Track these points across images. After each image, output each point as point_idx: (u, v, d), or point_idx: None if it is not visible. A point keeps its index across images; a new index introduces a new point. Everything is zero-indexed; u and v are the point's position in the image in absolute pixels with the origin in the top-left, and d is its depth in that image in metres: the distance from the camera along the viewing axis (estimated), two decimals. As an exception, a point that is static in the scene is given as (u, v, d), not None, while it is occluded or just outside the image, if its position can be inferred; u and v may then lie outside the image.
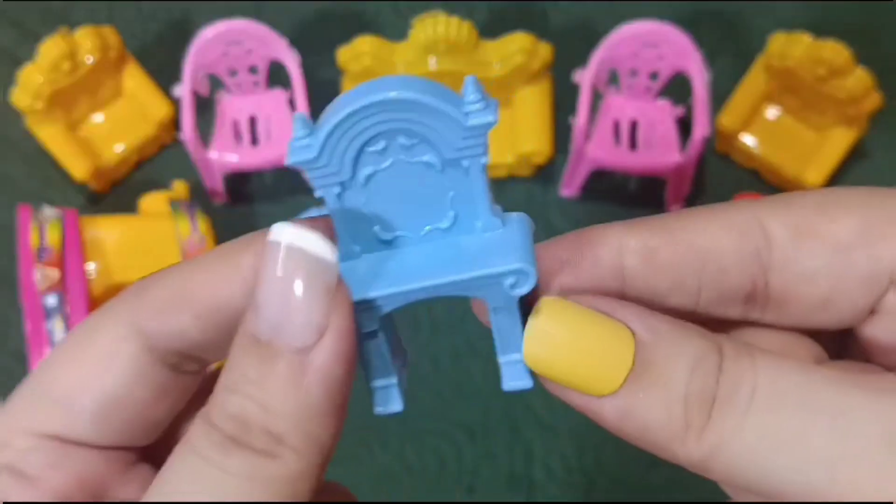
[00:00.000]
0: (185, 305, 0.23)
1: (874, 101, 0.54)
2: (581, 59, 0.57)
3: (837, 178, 0.58)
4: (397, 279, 0.21)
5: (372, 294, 0.21)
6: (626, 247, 0.22)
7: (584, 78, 0.56)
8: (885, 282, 0.21)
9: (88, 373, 0.22)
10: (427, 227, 0.22)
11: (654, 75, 0.57)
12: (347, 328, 0.20)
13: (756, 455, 0.19)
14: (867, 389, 0.19)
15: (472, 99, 0.22)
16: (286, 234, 0.20)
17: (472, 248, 0.22)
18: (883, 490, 0.18)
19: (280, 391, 0.20)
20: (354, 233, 0.22)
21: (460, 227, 0.22)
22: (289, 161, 0.20)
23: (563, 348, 0.20)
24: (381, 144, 0.21)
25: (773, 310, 0.22)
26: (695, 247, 0.21)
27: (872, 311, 0.22)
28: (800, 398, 0.19)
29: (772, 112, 0.59)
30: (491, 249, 0.21)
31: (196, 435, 0.20)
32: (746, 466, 0.19)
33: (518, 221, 0.22)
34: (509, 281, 0.21)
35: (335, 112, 0.20)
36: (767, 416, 0.19)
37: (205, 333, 0.22)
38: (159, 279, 0.24)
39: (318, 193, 0.21)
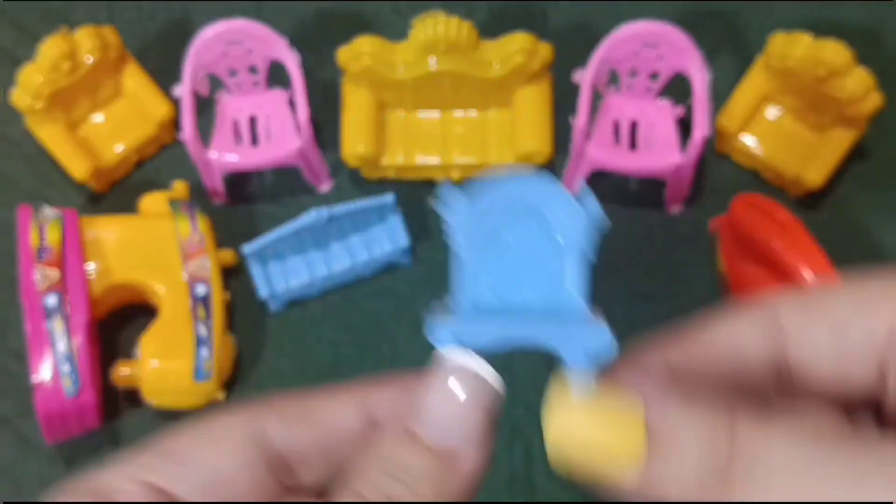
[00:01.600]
0: (307, 418, 0.26)
1: (874, 101, 0.54)
2: (581, 59, 0.57)
3: (837, 178, 0.58)
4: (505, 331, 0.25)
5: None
6: (670, 362, 0.25)
7: (584, 78, 0.56)
8: (883, 351, 0.24)
9: (207, 450, 0.25)
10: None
11: (654, 75, 0.57)
12: (490, 454, 0.25)
13: None
14: (877, 458, 0.21)
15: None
16: (467, 361, 0.24)
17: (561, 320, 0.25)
18: None
19: (430, 485, 0.23)
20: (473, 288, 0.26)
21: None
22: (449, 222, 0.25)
23: (581, 443, 0.23)
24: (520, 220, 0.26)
25: (799, 386, 0.25)
26: (725, 344, 0.25)
27: (883, 377, 0.24)
28: (813, 474, 0.21)
29: (772, 112, 0.59)
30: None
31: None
32: None
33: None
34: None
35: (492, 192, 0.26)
36: (785, 491, 0.21)
37: (316, 448, 0.25)
38: (291, 395, 0.27)
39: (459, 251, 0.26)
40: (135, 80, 0.60)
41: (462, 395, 0.24)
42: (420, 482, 0.23)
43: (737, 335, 0.25)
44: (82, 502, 0.23)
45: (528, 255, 0.26)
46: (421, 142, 0.59)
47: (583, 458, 0.23)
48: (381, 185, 0.60)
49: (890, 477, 0.20)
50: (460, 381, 0.24)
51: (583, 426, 0.23)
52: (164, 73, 0.60)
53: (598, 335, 0.24)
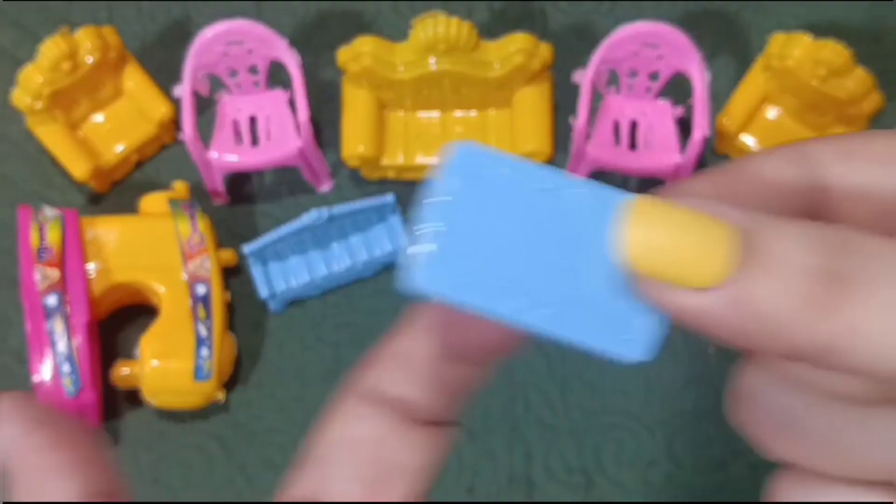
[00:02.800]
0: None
1: (874, 101, 0.54)
2: (581, 59, 0.57)
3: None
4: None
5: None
6: (700, 192, 0.22)
7: (584, 78, 0.56)
8: None
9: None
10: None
11: (654, 75, 0.57)
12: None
13: None
14: None
15: None
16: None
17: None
18: None
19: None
20: None
21: None
22: None
23: (665, 237, 0.19)
24: None
25: None
26: (759, 179, 0.22)
27: None
28: None
29: (772, 112, 0.59)
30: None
31: None
32: (887, 345, 0.17)
33: None
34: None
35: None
36: None
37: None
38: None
39: None
40: (135, 80, 0.60)
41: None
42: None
43: (773, 171, 0.22)
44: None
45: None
46: (421, 142, 0.59)
47: (662, 255, 0.19)
48: (381, 185, 0.60)
49: None
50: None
51: (669, 222, 0.19)
52: (164, 73, 0.60)
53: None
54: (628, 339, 0.20)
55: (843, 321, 0.18)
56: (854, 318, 0.18)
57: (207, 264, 0.54)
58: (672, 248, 0.18)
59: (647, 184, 0.59)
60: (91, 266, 0.53)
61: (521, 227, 0.20)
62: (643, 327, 0.20)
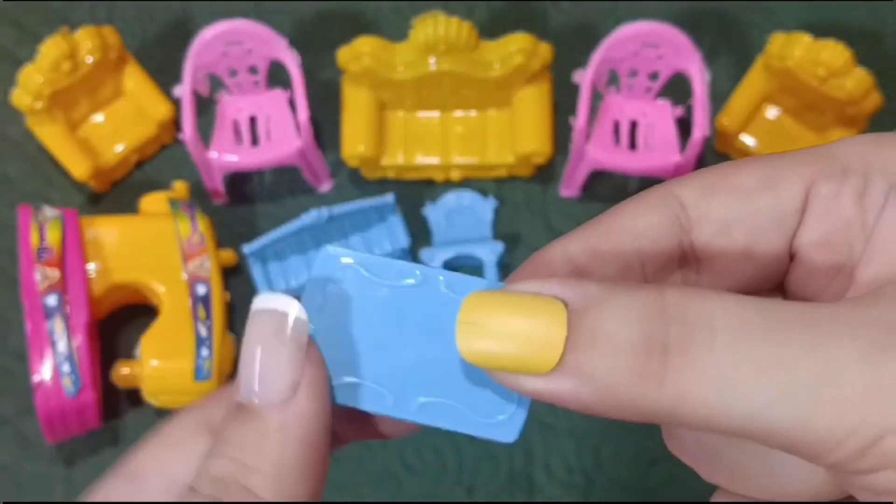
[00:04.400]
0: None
1: (874, 101, 0.54)
2: (581, 59, 0.57)
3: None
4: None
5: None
6: (572, 253, 0.22)
7: (584, 78, 0.56)
8: (793, 218, 0.22)
9: (159, 456, 0.23)
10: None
11: (654, 75, 0.57)
12: (321, 383, 0.21)
13: (734, 390, 0.18)
14: (830, 311, 0.19)
15: None
16: (258, 300, 0.21)
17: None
18: (868, 405, 0.18)
19: (255, 448, 0.20)
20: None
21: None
22: None
23: (493, 334, 0.20)
24: None
25: (705, 270, 0.23)
26: (626, 230, 0.22)
27: (792, 257, 0.22)
28: (767, 328, 0.18)
29: (772, 112, 0.59)
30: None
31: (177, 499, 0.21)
32: (725, 405, 0.18)
33: None
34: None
35: None
36: (737, 350, 0.18)
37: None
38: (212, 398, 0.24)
39: None
40: (135, 80, 0.60)
41: (259, 343, 0.21)
42: (245, 451, 0.20)
43: (638, 220, 0.22)
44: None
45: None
46: (421, 142, 0.59)
47: (501, 356, 0.20)
48: (381, 185, 0.60)
49: (846, 326, 0.18)
50: (256, 326, 0.21)
51: (498, 314, 0.20)
52: (164, 73, 0.60)
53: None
54: (495, 424, 0.22)
55: (673, 390, 0.18)
56: (681, 387, 0.18)
57: (207, 264, 0.54)
58: (501, 349, 0.20)
59: (647, 183, 0.59)
60: (91, 266, 0.53)
61: (385, 326, 0.22)
62: (507, 410, 0.22)
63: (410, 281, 0.22)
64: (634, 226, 0.22)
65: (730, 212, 0.22)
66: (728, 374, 0.18)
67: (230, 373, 0.55)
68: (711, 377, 0.18)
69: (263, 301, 0.21)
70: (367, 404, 0.22)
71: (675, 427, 0.19)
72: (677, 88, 0.57)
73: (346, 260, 0.23)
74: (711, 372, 0.18)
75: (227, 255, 0.56)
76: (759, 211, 0.22)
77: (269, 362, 0.21)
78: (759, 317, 0.18)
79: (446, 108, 0.60)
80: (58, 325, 0.50)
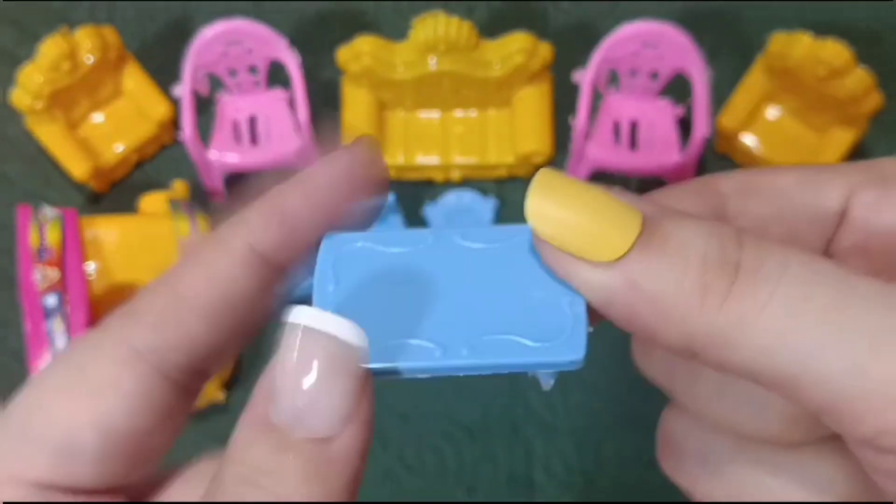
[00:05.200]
0: (184, 308, 0.21)
1: (875, 101, 0.54)
2: (581, 59, 0.57)
3: (837, 178, 0.58)
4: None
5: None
6: None
7: (584, 78, 0.56)
8: (832, 221, 0.22)
9: (87, 407, 0.20)
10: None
11: (654, 75, 0.57)
12: (371, 418, 0.19)
13: (789, 329, 0.17)
14: None
15: None
16: (314, 318, 0.18)
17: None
18: None
19: (299, 484, 0.18)
20: None
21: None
22: None
23: (567, 201, 0.19)
24: None
25: None
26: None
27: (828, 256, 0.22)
28: (836, 278, 0.18)
29: (772, 112, 0.59)
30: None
31: None
32: (777, 342, 0.17)
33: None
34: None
35: None
36: (802, 289, 0.17)
37: (214, 331, 0.21)
38: (148, 293, 0.22)
39: None
40: (135, 80, 0.60)
41: (313, 369, 0.18)
42: (287, 487, 0.18)
43: (683, 203, 0.21)
44: None
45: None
46: (421, 142, 0.59)
47: (567, 225, 0.19)
48: (381, 185, 0.60)
49: None
50: (309, 348, 0.18)
51: (575, 186, 0.19)
52: (164, 73, 0.60)
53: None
54: (557, 345, 0.20)
55: (734, 312, 0.18)
56: (744, 310, 0.18)
57: (207, 264, 0.54)
58: (572, 219, 0.19)
59: (647, 183, 0.59)
60: (91, 266, 0.53)
61: (410, 288, 0.21)
62: (564, 330, 0.20)
63: (424, 243, 0.21)
64: (679, 208, 0.21)
65: (769, 209, 0.22)
66: (793, 307, 0.17)
67: (230, 373, 0.55)
68: (776, 306, 0.17)
69: (316, 319, 0.18)
70: (416, 360, 0.20)
71: (711, 360, 0.18)
72: (677, 88, 0.57)
73: (350, 240, 0.21)
74: (778, 301, 0.17)
75: (227, 255, 0.56)
76: (799, 210, 0.22)
77: (322, 393, 0.18)
78: (830, 266, 0.18)
79: (446, 107, 0.60)
80: (57, 326, 0.50)
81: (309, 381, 0.18)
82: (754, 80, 0.58)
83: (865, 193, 0.22)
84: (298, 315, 0.18)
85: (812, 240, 0.22)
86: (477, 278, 0.20)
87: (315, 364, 0.18)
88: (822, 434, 0.21)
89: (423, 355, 0.20)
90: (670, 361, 0.23)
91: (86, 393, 0.20)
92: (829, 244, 0.22)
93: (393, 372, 0.20)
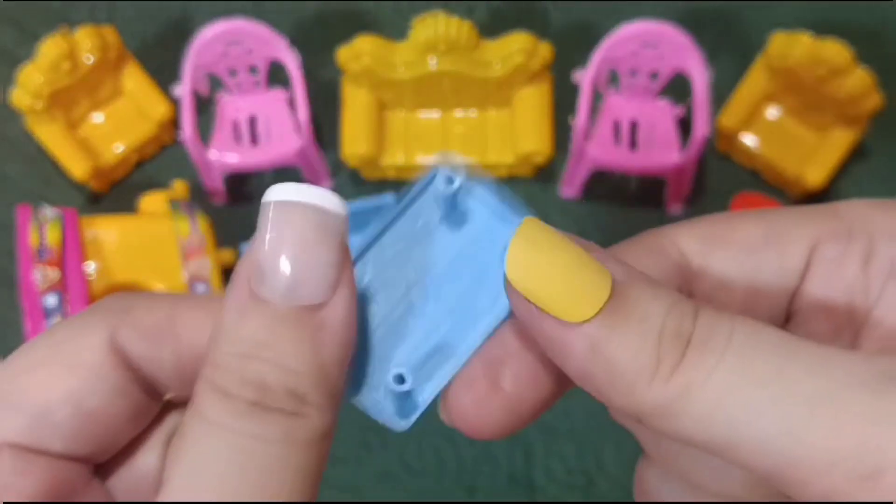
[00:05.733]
0: (170, 339, 0.21)
1: (875, 100, 0.54)
2: (581, 59, 0.57)
3: (837, 178, 0.58)
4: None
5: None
6: None
7: (584, 78, 0.56)
8: (795, 276, 0.22)
9: (67, 382, 0.20)
10: None
11: (654, 75, 0.57)
12: (354, 283, 0.20)
13: (729, 397, 0.18)
14: (842, 350, 0.18)
15: None
16: (289, 191, 0.19)
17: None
18: (863, 427, 0.17)
19: (298, 351, 0.19)
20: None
21: None
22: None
23: (545, 259, 0.19)
24: None
25: None
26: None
27: (789, 317, 0.22)
28: (778, 346, 0.18)
29: (772, 112, 0.59)
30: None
31: (213, 407, 0.19)
32: (717, 410, 0.18)
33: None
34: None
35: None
36: (744, 359, 0.18)
37: (179, 372, 0.21)
38: (147, 302, 0.22)
39: None
40: (134, 79, 0.60)
41: (300, 240, 0.19)
42: (286, 354, 0.19)
43: (641, 263, 0.22)
44: None
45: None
46: (421, 142, 0.59)
47: (543, 284, 0.19)
48: (381, 185, 0.60)
49: (856, 361, 0.18)
50: (295, 219, 0.19)
51: (550, 246, 0.19)
52: (164, 73, 0.60)
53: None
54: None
55: (680, 383, 0.18)
56: (689, 381, 0.18)
57: (207, 264, 0.54)
58: (548, 278, 0.19)
59: (647, 183, 0.59)
60: (91, 266, 0.53)
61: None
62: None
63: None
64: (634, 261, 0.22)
65: (731, 266, 0.22)
66: (734, 375, 0.18)
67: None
68: (719, 375, 0.18)
69: (297, 192, 0.19)
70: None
71: (656, 428, 0.19)
72: (677, 88, 0.57)
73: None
74: (721, 370, 0.18)
75: (227, 255, 0.56)
76: (761, 268, 0.22)
77: (310, 262, 0.19)
78: (774, 335, 0.18)
79: (446, 107, 0.60)
80: (57, 325, 0.50)
81: (296, 251, 0.19)
82: (754, 80, 0.58)
83: (828, 248, 0.21)
84: (279, 192, 0.19)
85: (775, 295, 0.22)
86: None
87: (301, 234, 0.19)
88: (785, 496, 0.22)
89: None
90: None
91: (63, 368, 0.20)
92: (793, 298, 0.22)
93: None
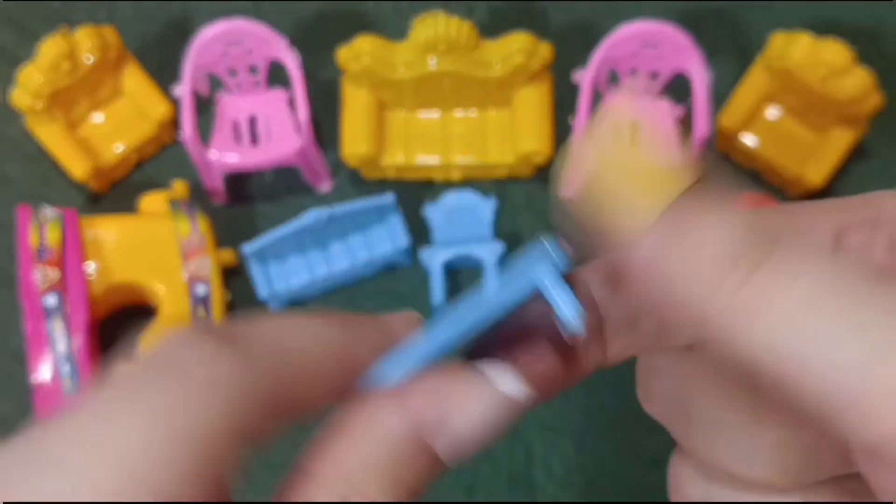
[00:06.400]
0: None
1: (875, 101, 0.54)
2: (581, 59, 0.57)
3: (838, 178, 0.58)
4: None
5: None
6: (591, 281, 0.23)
7: (584, 78, 0.56)
8: None
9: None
10: None
11: (654, 75, 0.57)
12: None
13: (809, 314, 0.17)
14: None
15: None
16: (510, 384, 0.20)
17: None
18: None
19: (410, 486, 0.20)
20: None
21: None
22: None
23: (623, 148, 0.19)
24: None
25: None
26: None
27: None
28: (855, 282, 0.17)
29: (772, 112, 0.59)
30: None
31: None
32: (793, 326, 0.17)
33: None
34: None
35: None
36: (828, 282, 0.17)
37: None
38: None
39: None
40: (134, 79, 0.60)
41: (500, 415, 0.20)
42: (408, 490, 0.20)
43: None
44: None
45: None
46: (421, 142, 0.59)
47: (623, 178, 0.19)
48: (381, 185, 0.60)
49: None
50: (497, 397, 0.20)
51: (633, 156, 0.19)
52: (164, 73, 0.60)
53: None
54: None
55: (754, 293, 0.18)
56: (758, 299, 0.18)
57: (207, 264, 0.54)
58: (634, 170, 0.19)
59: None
60: (91, 266, 0.53)
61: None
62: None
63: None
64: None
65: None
66: (814, 296, 0.17)
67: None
68: (797, 293, 0.17)
69: (515, 388, 0.21)
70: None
71: (722, 342, 0.18)
72: (677, 88, 0.57)
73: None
74: (801, 285, 0.17)
75: (227, 255, 0.56)
76: None
77: (487, 438, 0.21)
78: (863, 269, 0.18)
79: (446, 107, 0.60)
80: (57, 326, 0.50)
81: (487, 425, 0.20)
82: (754, 80, 0.58)
83: (854, 234, 0.21)
84: (506, 380, 0.21)
85: None
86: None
87: (501, 415, 0.20)
88: (813, 480, 0.21)
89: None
90: (670, 404, 0.23)
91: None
92: None
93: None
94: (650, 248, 0.18)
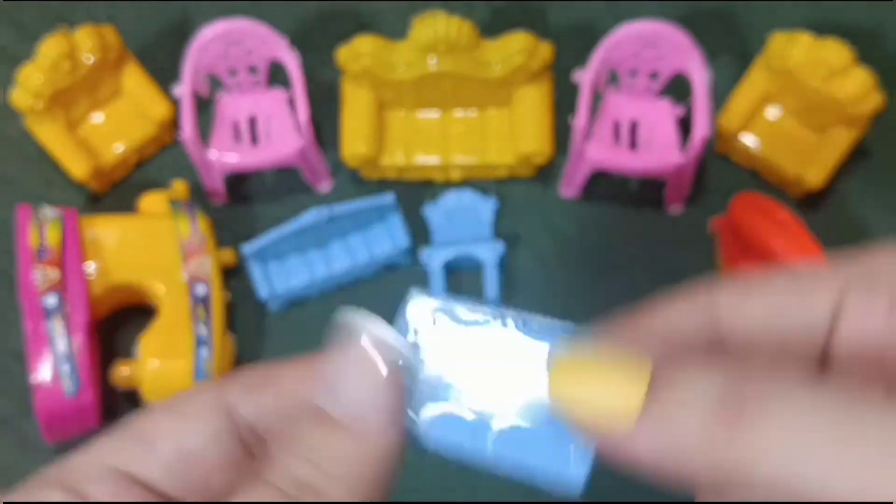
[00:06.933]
0: (270, 386, 0.25)
1: (875, 101, 0.54)
2: (581, 59, 0.57)
3: (838, 178, 0.58)
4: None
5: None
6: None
7: (584, 78, 0.56)
8: (823, 328, 0.22)
9: (174, 426, 0.24)
10: None
11: (654, 75, 0.57)
12: (402, 410, 0.24)
13: (807, 444, 0.18)
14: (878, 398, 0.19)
15: None
16: (371, 328, 0.23)
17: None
18: None
19: (343, 462, 0.22)
20: None
21: None
22: None
23: (585, 391, 0.21)
24: None
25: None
26: (664, 328, 0.24)
27: (824, 364, 0.23)
28: (835, 399, 0.19)
29: (772, 112, 0.59)
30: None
31: (259, 494, 0.22)
32: (798, 460, 0.18)
33: None
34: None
35: None
36: (810, 412, 0.19)
37: (280, 416, 0.25)
38: (253, 367, 0.27)
39: None
40: (134, 79, 0.60)
41: (382, 369, 0.23)
42: (332, 462, 0.22)
43: (675, 318, 0.24)
44: (52, 502, 0.23)
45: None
46: (421, 142, 0.59)
47: (582, 408, 0.21)
48: (381, 185, 0.60)
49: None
50: (377, 352, 0.23)
51: (586, 374, 0.21)
52: (164, 73, 0.60)
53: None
54: (566, 473, 0.25)
55: (745, 441, 0.19)
56: (754, 438, 0.19)
57: (207, 264, 0.54)
58: (588, 400, 0.21)
59: (647, 184, 0.59)
60: (91, 266, 0.53)
61: (465, 363, 0.25)
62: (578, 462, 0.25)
63: (488, 322, 0.25)
64: (672, 324, 0.24)
65: (760, 319, 0.23)
66: (802, 429, 0.18)
67: (230, 373, 0.55)
68: (783, 433, 0.19)
69: (374, 328, 0.23)
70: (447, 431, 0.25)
71: (732, 483, 0.20)
72: (677, 88, 0.57)
73: (431, 305, 0.25)
74: (784, 429, 0.19)
75: (227, 255, 0.56)
76: (790, 319, 0.23)
77: (369, 388, 0.23)
78: (831, 389, 0.19)
79: (446, 107, 0.60)
80: (57, 326, 0.50)
81: (371, 381, 0.23)
82: (754, 80, 0.58)
83: (855, 296, 0.22)
84: (364, 325, 0.23)
85: (805, 348, 0.23)
86: (521, 372, 0.24)
87: (369, 363, 0.23)
88: None
89: (455, 427, 0.25)
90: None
91: (175, 414, 0.24)
92: (827, 347, 0.23)
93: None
94: (648, 435, 0.20)
